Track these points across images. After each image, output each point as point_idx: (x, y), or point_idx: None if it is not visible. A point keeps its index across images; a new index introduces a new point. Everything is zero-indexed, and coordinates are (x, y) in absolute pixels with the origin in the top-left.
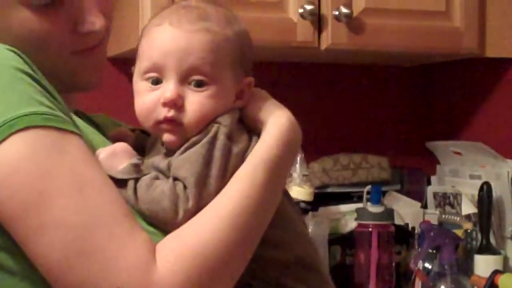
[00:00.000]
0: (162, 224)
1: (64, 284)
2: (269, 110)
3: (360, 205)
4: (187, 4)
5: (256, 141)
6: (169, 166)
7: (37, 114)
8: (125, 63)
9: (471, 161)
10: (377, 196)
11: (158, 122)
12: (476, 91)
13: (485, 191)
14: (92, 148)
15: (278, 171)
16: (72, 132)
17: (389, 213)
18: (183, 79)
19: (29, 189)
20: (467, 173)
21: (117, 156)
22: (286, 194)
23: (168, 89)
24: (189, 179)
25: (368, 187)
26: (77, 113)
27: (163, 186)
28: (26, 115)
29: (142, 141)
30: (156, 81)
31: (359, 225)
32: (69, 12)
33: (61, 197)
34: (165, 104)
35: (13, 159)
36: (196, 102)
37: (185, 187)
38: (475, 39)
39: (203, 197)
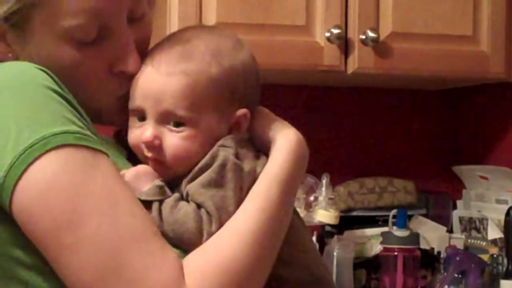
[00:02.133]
0: (185, 245)
1: None
2: (276, 128)
3: (385, 229)
4: (178, 37)
5: (265, 159)
6: (181, 192)
7: (70, 133)
8: None
9: (497, 185)
10: (402, 220)
11: (145, 157)
12: (503, 115)
13: (511, 215)
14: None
15: (290, 186)
16: (101, 151)
17: (414, 237)
18: (161, 120)
19: (63, 207)
20: (493, 197)
21: (140, 178)
22: (294, 211)
23: (147, 130)
24: (207, 203)
25: (394, 211)
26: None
27: (187, 207)
28: (59, 133)
29: None
30: (142, 118)
31: (385, 249)
32: (110, 50)
33: (94, 215)
34: (144, 144)
35: (48, 176)
36: (172, 143)
37: (206, 211)
38: (502, 64)
39: (223, 218)
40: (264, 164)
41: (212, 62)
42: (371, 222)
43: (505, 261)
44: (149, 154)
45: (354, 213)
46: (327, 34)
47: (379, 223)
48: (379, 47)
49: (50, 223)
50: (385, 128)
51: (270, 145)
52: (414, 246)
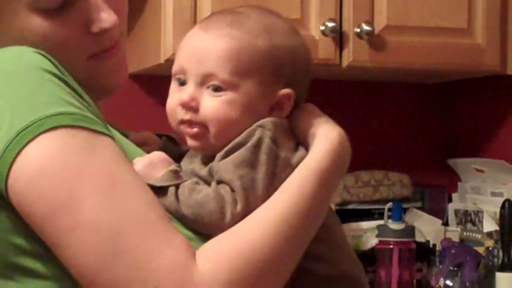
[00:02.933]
0: (207, 228)
1: (98, 285)
2: (320, 124)
3: (381, 222)
4: (231, 10)
5: (304, 152)
6: (210, 173)
7: (66, 114)
8: (147, 80)
9: (492, 178)
10: (398, 213)
11: (179, 123)
12: (498, 108)
13: (507, 208)
14: (129, 159)
15: (327, 184)
16: (103, 133)
17: (410, 230)
18: (202, 83)
19: (58, 189)
20: (488, 190)
21: (155, 165)
22: (330, 208)
23: (186, 91)
24: (236, 182)
25: (389, 204)
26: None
27: (208, 189)
28: (54, 115)
29: (169, 148)
30: (182, 82)
31: (380, 242)
32: (80, 14)
33: (91, 196)
34: (182, 106)
35: (41, 158)
36: (210, 106)
37: (232, 190)
38: (497, 56)
39: (250, 201)
40: (302, 157)
41: (261, 35)
42: (367, 215)
43: (501, 253)
44: (186, 116)
45: (350, 207)
46: (322, 28)
47: (375, 216)
48: (373, 40)
49: (46, 206)
50: (380, 121)
51: (309, 138)
52: (410, 239)
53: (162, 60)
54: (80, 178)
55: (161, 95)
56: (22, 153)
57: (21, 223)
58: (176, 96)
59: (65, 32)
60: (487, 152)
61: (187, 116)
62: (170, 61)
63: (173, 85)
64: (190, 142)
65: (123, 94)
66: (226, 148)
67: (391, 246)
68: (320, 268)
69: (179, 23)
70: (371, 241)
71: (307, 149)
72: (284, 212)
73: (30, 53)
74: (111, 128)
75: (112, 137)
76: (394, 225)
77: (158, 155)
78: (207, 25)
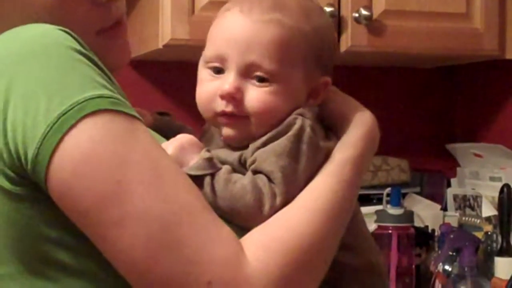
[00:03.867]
0: (243, 220)
1: (148, 280)
2: (352, 107)
3: (379, 207)
4: None
5: (335, 139)
6: (240, 161)
7: (104, 98)
8: (145, 66)
9: (491, 163)
10: (397, 198)
11: (216, 115)
12: (497, 93)
13: (506, 193)
14: None
15: (361, 169)
16: (138, 118)
17: (409, 216)
18: (245, 73)
19: (106, 178)
20: (487, 175)
21: (186, 150)
22: None
23: (227, 81)
24: (276, 173)
25: (388, 189)
26: None
27: (243, 180)
28: (93, 98)
29: (160, 122)
30: (218, 70)
31: (379, 227)
32: None
33: (140, 186)
34: (222, 97)
35: (86, 145)
36: (255, 97)
37: (270, 181)
38: (496, 41)
39: (290, 193)
40: (335, 145)
41: (305, 19)
42: (365, 200)
43: (499, 238)
44: (228, 108)
45: None
46: None
47: (373, 201)
48: (372, 25)
49: (92, 197)
50: (379, 106)
51: (341, 123)
52: (409, 224)
53: (160, 46)
54: (127, 167)
55: (160, 81)
56: (64, 140)
57: (57, 215)
58: (212, 85)
59: (72, 4)
60: (485, 137)
61: (229, 108)
62: (168, 47)
63: (205, 73)
64: (227, 131)
65: (121, 79)
66: (265, 138)
67: (390, 231)
68: (348, 257)
69: (177, 8)
70: (370, 226)
71: (335, 132)
72: (325, 200)
73: (54, 30)
74: None
75: (142, 120)
76: (392, 210)
77: (188, 139)
78: (250, 8)
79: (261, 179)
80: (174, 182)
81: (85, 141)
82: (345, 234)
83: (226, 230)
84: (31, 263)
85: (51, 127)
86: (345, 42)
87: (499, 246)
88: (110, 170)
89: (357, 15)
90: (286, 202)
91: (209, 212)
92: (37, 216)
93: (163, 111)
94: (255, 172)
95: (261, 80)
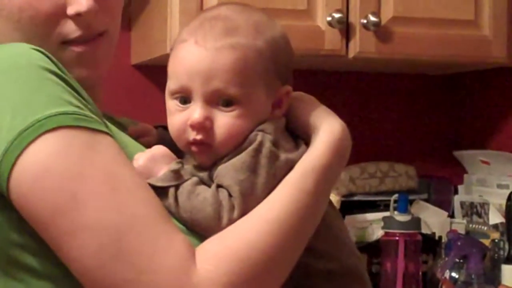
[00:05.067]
0: (204, 233)
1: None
2: (321, 115)
3: (387, 213)
4: (215, 14)
5: (304, 148)
6: (210, 176)
7: (67, 114)
8: (153, 71)
9: (498, 170)
10: (404, 205)
11: (189, 143)
12: (505, 100)
13: None
14: (128, 153)
15: (327, 179)
16: (102, 132)
17: (416, 222)
18: (211, 100)
19: (61, 191)
20: (494, 182)
21: (156, 161)
22: (330, 203)
23: (196, 111)
24: (234, 187)
25: (395, 196)
26: (105, 116)
27: (206, 193)
28: (55, 115)
29: (166, 138)
30: (185, 101)
31: (386, 234)
32: None
33: (94, 199)
34: (192, 127)
35: (43, 160)
36: (224, 123)
37: (230, 195)
38: (504, 48)
39: (249, 206)
40: (303, 154)
41: (256, 35)
42: (373, 206)
43: (507, 246)
44: (198, 137)
45: (356, 198)
46: (329, 19)
47: (381, 207)
48: (380, 32)
49: (47, 209)
50: (387, 112)
51: (311, 133)
52: (416, 231)
53: (168, 51)
54: (82, 180)
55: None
56: (23, 155)
57: (23, 222)
58: (181, 116)
59: (42, 7)
60: (493, 144)
61: (199, 136)
62: None
63: (173, 104)
64: (200, 158)
65: (128, 84)
66: (230, 155)
67: (397, 238)
68: (321, 263)
69: (186, 13)
70: (377, 233)
71: (306, 141)
72: (283, 210)
73: (28, 50)
74: (108, 124)
75: (111, 135)
76: (400, 217)
77: (159, 150)
78: (203, 39)
79: (223, 193)
80: (130, 194)
81: (43, 156)
82: (316, 241)
83: (179, 240)
84: (1, 265)
85: (12, 143)
86: (353, 48)
87: (506, 253)
88: (64, 183)
89: (365, 21)
90: (244, 214)
91: (165, 222)
92: (5, 222)
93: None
94: (218, 186)
95: (227, 104)
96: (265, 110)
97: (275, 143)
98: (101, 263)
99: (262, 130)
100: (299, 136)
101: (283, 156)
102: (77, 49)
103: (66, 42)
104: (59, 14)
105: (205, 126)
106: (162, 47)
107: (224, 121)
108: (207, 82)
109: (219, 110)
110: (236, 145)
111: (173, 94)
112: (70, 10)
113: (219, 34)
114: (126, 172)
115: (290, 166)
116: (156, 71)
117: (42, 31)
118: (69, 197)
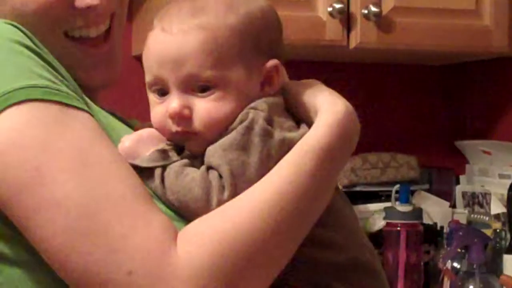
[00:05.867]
0: (192, 214)
1: (67, 269)
2: (324, 97)
3: (388, 204)
4: None
5: (305, 129)
6: (203, 163)
7: (37, 87)
8: None
9: (500, 160)
10: (405, 195)
11: (172, 135)
12: (506, 90)
13: None
14: (116, 135)
15: (329, 162)
16: (78, 108)
17: (417, 213)
18: (186, 87)
19: (25, 165)
20: (496, 172)
21: (143, 142)
22: (338, 191)
23: (172, 101)
24: (223, 167)
25: (397, 186)
26: (112, 115)
27: (194, 174)
28: (23, 87)
29: None
30: (162, 93)
31: (388, 224)
32: None
33: (61, 173)
34: (172, 118)
35: (7, 133)
36: (204, 109)
37: (220, 175)
38: (505, 38)
39: (240, 187)
40: (304, 134)
41: (227, 12)
42: (374, 197)
43: (508, 236)
44: (179, 128)
45: (357, 189)
46: (329, 9)
47: (382, 198)
48: (381, 22)
49: (12, 184)
50: (388, 103)
51: (313, 115)
52: (417, 221)
53: None
54: (48, 154)
55: None
56: None
57: None
58: (160, 108)
59: (55, 2)
60: (494, 134)
61: (180, 127)
62: None
63: (152, 97)
64: (189, 146)
65: (129, 76)
66: (220, 136)
67: (399, 228)
68: (328, 255)
69: None
70: (379, 223)
71: (310, 126)
72: (276, 192)
73: (2, 24)
74: (108, 115)
75: (89, 112)
76: (401, 207)
77: (148, 132)
78: (169, 23)
79: (213, 173)
80: (104, 171)
81: (7, 130)
82: (325, 230)
83: (158, 218)
84: None
85: None
86: (354, 39)
87: (507, 243)
88: (30, 158)
89: (366, 11)
90: (235, 195)
91: (143, 203)
92: None
93: None
94: (208, 167)
95: (203, 89)
96: (251, 89)
97: (269, 121)
98: (68, 243)
99: (254, 108)
100: (303, 120)
101: (278, 134)
102: (92, 50)
103: (75, 39)
104: (66, 7)
105: (184, 116)
106: None
107: (203, 106)
108: (178, 68)
109: (196, 96)
110: (224, 127)
111: (150, 87)
112: (79, 3)
113: (185, 16)
114: (102, 149)
115: (288, 145)
116: None
117: (47, 26)
118: (34, 171)
